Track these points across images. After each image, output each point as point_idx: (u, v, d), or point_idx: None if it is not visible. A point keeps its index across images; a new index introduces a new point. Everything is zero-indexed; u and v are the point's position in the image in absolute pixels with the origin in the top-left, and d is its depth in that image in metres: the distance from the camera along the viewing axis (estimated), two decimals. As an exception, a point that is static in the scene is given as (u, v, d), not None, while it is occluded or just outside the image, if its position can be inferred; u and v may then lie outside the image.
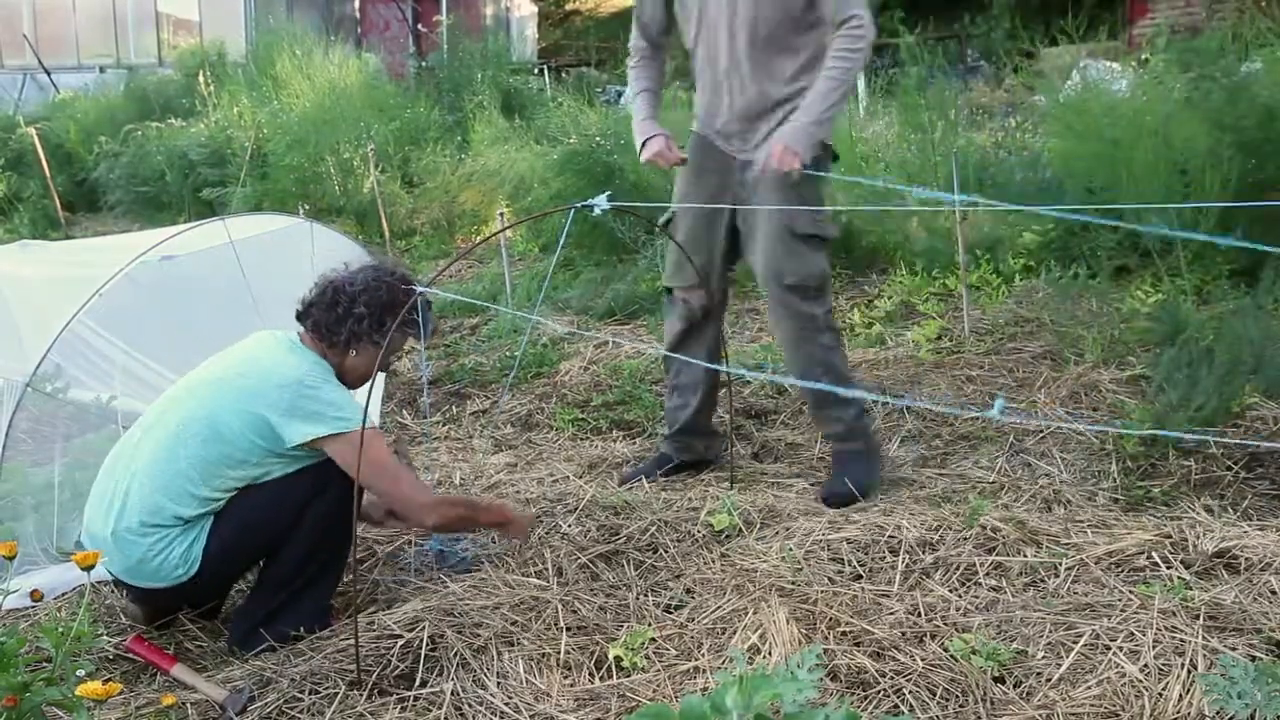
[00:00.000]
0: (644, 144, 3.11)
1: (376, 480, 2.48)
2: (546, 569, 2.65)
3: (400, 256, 7.40)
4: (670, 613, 2.45)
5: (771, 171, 2.87)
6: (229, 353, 2.60)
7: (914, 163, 5.78)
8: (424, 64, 12.11)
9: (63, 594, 2.84)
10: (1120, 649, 2.10)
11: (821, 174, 3.00)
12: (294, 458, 2.46)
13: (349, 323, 2.52)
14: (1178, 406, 3.16)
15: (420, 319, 2.57)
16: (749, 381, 4.01)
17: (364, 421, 2.37)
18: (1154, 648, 2.08)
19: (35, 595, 2.12)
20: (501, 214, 6.61)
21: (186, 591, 2.48)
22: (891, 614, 2.31)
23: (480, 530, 2.84)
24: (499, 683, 2.19)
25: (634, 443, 3.74)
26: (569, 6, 27.21)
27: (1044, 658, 2.11)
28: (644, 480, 3.29)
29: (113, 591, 2.76)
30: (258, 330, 2.67)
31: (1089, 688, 2.01)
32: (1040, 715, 1.95)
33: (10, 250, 3.98)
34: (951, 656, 2.12)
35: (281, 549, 2.49)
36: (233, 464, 2.41)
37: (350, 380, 2.61)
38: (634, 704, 2.09)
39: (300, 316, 2.59)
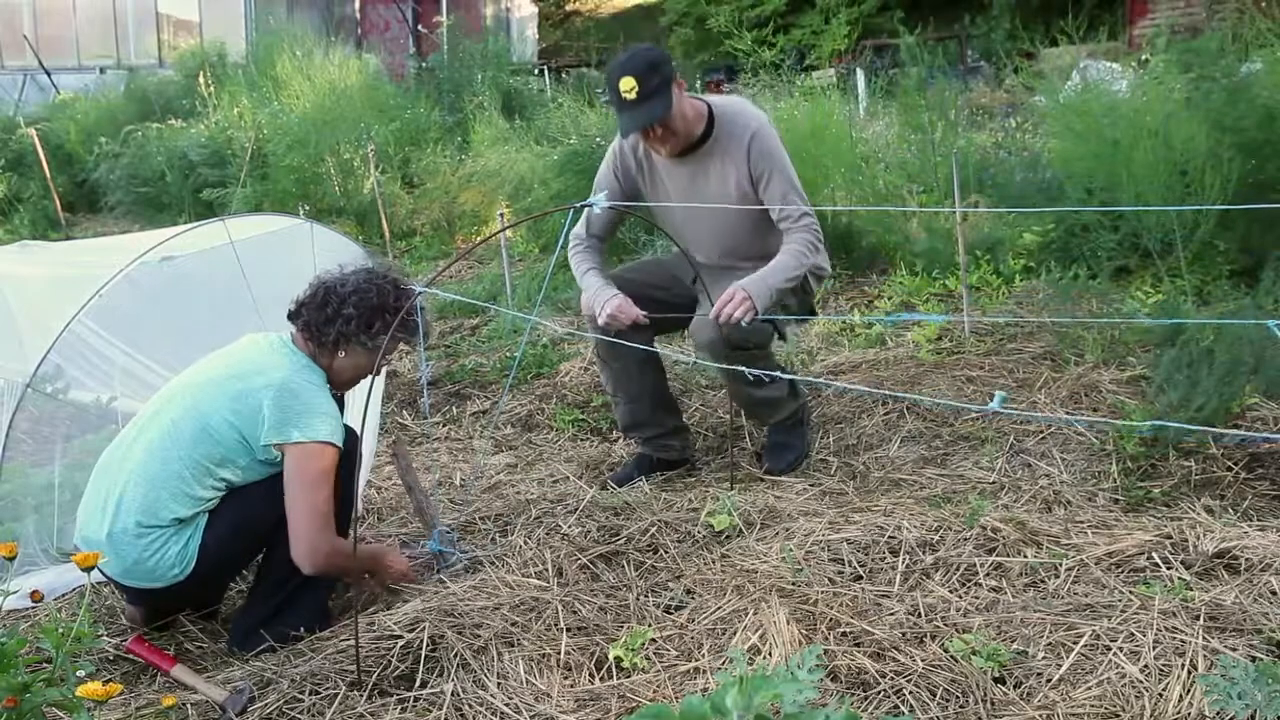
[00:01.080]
0: (602, 306, 3.12)
1: (293, 499, 2.41)
2: (547, 569, 2.65)
3: (400, 257, 7.41)
4: (670, 613, 2.45)
5: (725, 318, 2.96)
6: (220, 354, 2.61)
7: (914, 163, 5.79)
8: (424, 65, 12.12)
9: (63, 595, 2.84)
10: (1120, 649, 2.10)
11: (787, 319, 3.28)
12: (272, 462, 2.46)
13: (337, 323, 2.53)
14: (1178, 407, 3.16)
15: (413, 322, 2.58)
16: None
17: (352, 432, 2.37)
18: (1154, 648, 2.08)
19: (35, 596, 2.12)
20: (502, 214, 6.61)
21: (183, 591, 2.48)
22: (892, 614, 2.31)
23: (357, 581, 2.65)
24: (499, 683, 2.18)
25: (633, 443, 3.73)
26: (569, 7, 27.23)
27: (1044, 658, 2.11)
28: (644, 481, 3.30)
29: (112, 592, 2.76)
30: (252, 332, 2.67)
31: (1089, 688, 2.01)
32: (1040, 716, 1.95)
33: (10, 250, 3.99)
34: (952, 657, 2.12)
35: (276, 547, 2.50)
36: (221, 463, 2.43)
37: (341, 382, 2.62)
38: (634, 704, 2.09)
39: (292, 316, 2.60)
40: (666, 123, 3.05)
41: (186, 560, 2.41)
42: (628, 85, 3.00)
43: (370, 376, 2.51)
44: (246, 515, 2.46)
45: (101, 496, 2.45)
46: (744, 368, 2.70)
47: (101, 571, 2.44)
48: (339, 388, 2.63)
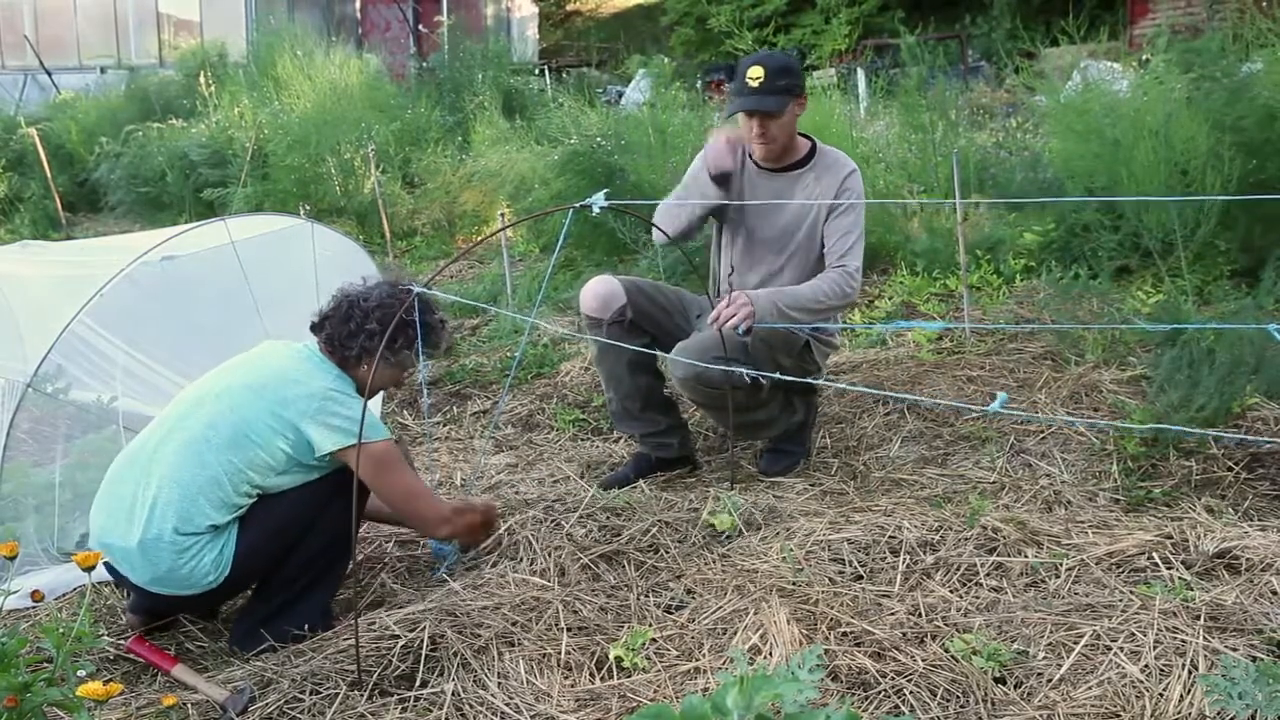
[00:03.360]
0: (708, 149, 3.16)
1: (393, 495, 2.56)
2: (548, 569, 2.65)
3: (401, 257, 7.41)
4: (671, 613, 2.45)
5: (722, 322, 2.97)
6: (245, 360, 2.60)
7: (914, 163, 5.79)
8: (425, 65, 12.12)
9: (63, 594, 2.84)
10: (1121, 649, 2.10)
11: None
12: (314, 466, 2.48)
13: (361, 338, 2.55)
14: (1179, 407, 3.16)
15: (435, 336, 2.65)
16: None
17: (360, 434, 2.38)
18: (1155, 648, 2.08)
19: (36, 596, 2.11)
20: (502, 214, 6.61)
21: (210, 597, 2.49)
22: (892, 614, 2.31)
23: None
24: (500, 683, 2.19)
25: (634, 443, 3.73)
26: (570, 7, 27.24)
27: (1045, 658, 2.11)
28: (642, 482, 3.30)
29: (113, 592, 2.76)
30: (261, 333, 2.68)
31: (1090, 688, 2.01)
32: (1041, 716, 1.95)
33: (11, 250, 3.98)
34: (952, 657, 2.12)
35: (292, 550, 2.50)
36: (259, 469, 2.43)
37: (364, 394, 2.63)
38: (635, 704, 2.09)
39: (315, 328, 2.62)
40: (768, 124, 3.11)
41: (221, 567, 2.42)
42: (755, 73, 3.07)
43: (375, 389, 2.53)
44: (277, 521, 2.46)
45: (127, 502, 2.42)
46: (743, 369, 2.70)
47: (115, 574, 2.43)
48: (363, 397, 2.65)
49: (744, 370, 2.84)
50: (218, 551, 2.41)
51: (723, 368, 2.85)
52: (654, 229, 3.28)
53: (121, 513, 2.42)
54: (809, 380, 2.85)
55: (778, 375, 2.98)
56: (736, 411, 3.21)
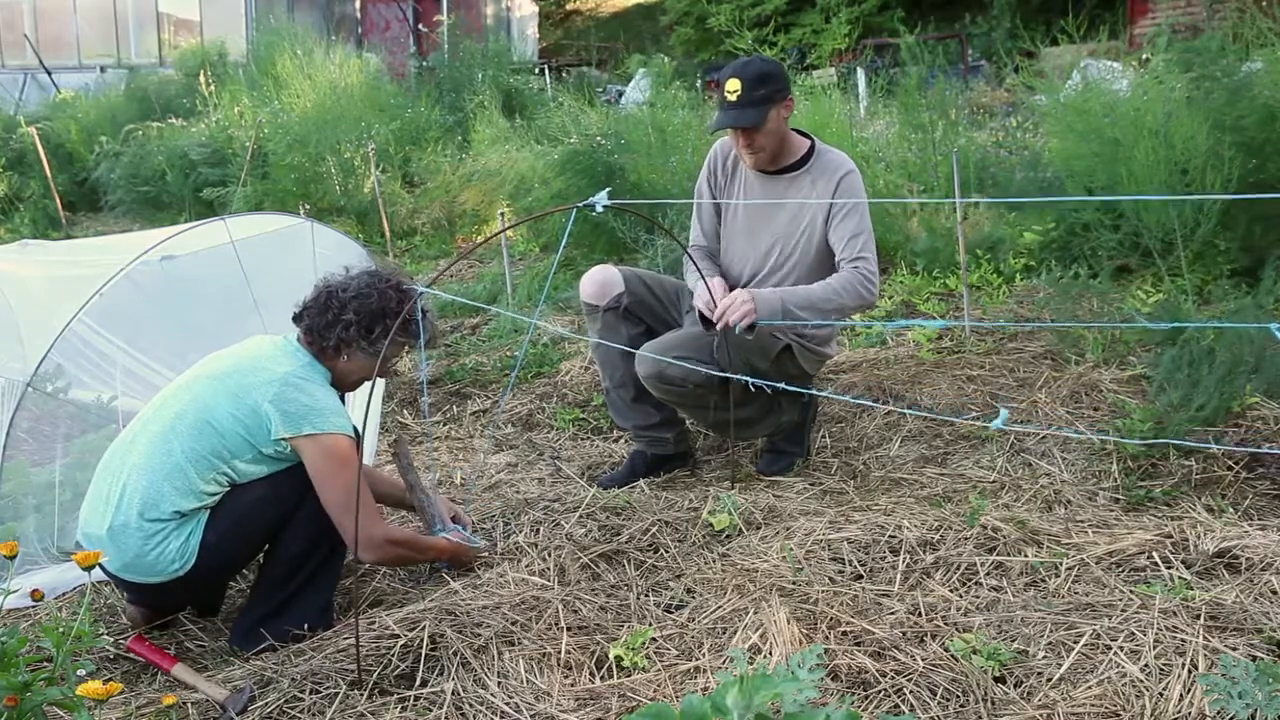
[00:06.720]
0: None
1: (332, 496, 2.43)
2: (548, 569, 2.65)
3: (401, 256, 7.40)
4: (671, 612, 2.45)
5: (722, 321, 2.96)
6: (225, 352, 2.62)
7: (914, 162, 5.78)
8: (425, 64, 12.12)
9: (63, 594, 2.85)
10: (1121, 649, 2.10)
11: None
12: (276, 456, 2.47)
13: (338, 328, 2.53)
14: (1179, 406, 3.16)
15: (417, 325, 2.58)
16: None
17: (360, 434, 2.38)
18: (1155, 648, 2.08)
19: (36, 595, 2.11)
20: (502, 214, 6.61)
21: (183, 586, 2.48)
22: (892, 614, 2.31)
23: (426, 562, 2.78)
24: (500, 682, 2.19)
25: (632, 442, 3.73)
26: (570, 6, 27.24)
27: (1045, 658, 2.11)
28: (641, 483, 3.29)
29: (113, 591, 2.76)
30: (257, 331, 2.68)
31: (1090, 688, 2.01)
32: (1041, 715, 1.95)
33: (11, 250, 3.98)
34: (952, 656, 2.12)
35: (278, 545, 2.50)
36: (224, 457, 2.43)
37: (344, 386, 2.62)
38: (634, 704, 2.09)
39: (296, 319, 2.61)
40: (752, 135, 3.10)
41: (187, 555, 2.42)
42: (732, 87, 3.05)
43: (372, 379, 2.51)
44: (248, 513, 2.46)
45: (104, 492, 2.46)
46: (749, 378, 2.69)
47: (103, 569, 2.45)
48: (343, 389, 2.64)
49: (713, 370, 2.84)
50: (183, 539, 2.41)
51: (691, 367, 2.85)
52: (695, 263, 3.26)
53: (99, 503, 2.46)
54: (784, 386, 2.81)
55: (779, 385, 2.98)
56: (713, 410, 3.21)
